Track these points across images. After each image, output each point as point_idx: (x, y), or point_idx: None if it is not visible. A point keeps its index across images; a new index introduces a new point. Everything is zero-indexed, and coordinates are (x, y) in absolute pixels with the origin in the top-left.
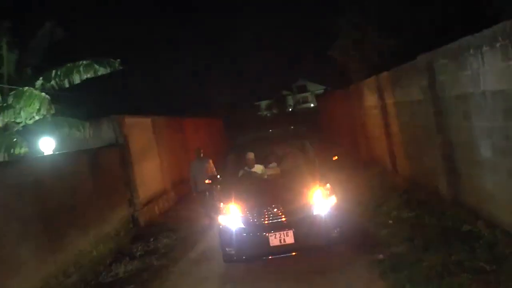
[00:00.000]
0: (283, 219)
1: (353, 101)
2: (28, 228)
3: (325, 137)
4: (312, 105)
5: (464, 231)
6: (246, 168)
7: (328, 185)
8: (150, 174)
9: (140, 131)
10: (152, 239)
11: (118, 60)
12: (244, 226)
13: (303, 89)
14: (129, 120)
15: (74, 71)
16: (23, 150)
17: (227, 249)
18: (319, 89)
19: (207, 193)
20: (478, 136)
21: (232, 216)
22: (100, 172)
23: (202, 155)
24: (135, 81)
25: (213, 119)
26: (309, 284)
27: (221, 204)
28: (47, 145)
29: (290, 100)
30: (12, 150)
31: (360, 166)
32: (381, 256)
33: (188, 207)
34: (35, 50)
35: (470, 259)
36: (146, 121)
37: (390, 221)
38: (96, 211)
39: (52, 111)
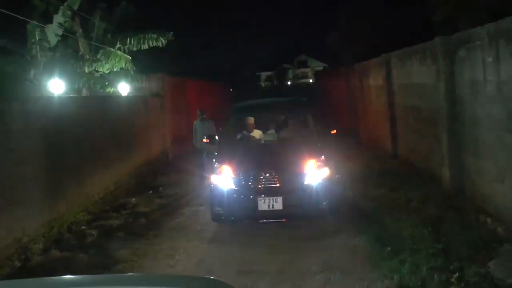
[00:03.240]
0: (274, 185)
1: (343, 80)
2: (116, 142)
3: (321, 110)
4: (311, 80)
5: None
6: (244, 132)
7: (322, 156)
8: (177, 121)
9: (174, 88)
10: (179, 165)
11: (172, 32)
12: (235, 188)
13: (304, 64)
14: (168, 79)
15: (145, 41)
16: (112, 90)
17: (216, 208)
18: (320, 66)
19: (204, 153)
20: (408, 111)
21: (224, 177)
22: (149, 114)
23: (205, 116)
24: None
25: (221, 85)
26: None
27: (216, 163)
28: (124, 88)
29: (290, 74)
30: (106, 89)
31: (344, 120)
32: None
33: None
34: (113, 21)
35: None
36: (178, 80)
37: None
38: (146, 140)
39: (134, 68)
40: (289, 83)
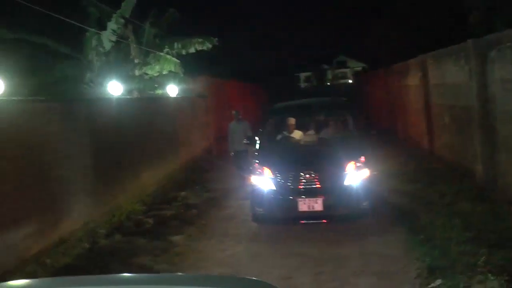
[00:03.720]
0: (315, 186)
1: (381, 81)
2: (165, 140)
3: (360, 110)
4: (350, 81)
5: (448, 175)
6: (285, 132)
7: (362, 157)
8: (219, 121)
9: (216, 89)
10: (222, 163)
11: (216, 38)
12: (275, 188)
13: (343, 65)
14: (211, 80)
15: (191, 45)
16: (161, 92)
17: (257, 208)
18: (358, 67)
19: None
20: (443, 110)
21: (265, 177)
22: (195, 113)
23: (240, 117)
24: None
25: (260, 86)
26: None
27: (256, 164)
28: (172, 90)
29: (329, 74)
30: (155, 91)
31: (382, 120)
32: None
33: None
34: (162, 27)
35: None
36: (220, 82)
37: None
38: (192, 138)
39: (182, 71)
40: (328, 83)
